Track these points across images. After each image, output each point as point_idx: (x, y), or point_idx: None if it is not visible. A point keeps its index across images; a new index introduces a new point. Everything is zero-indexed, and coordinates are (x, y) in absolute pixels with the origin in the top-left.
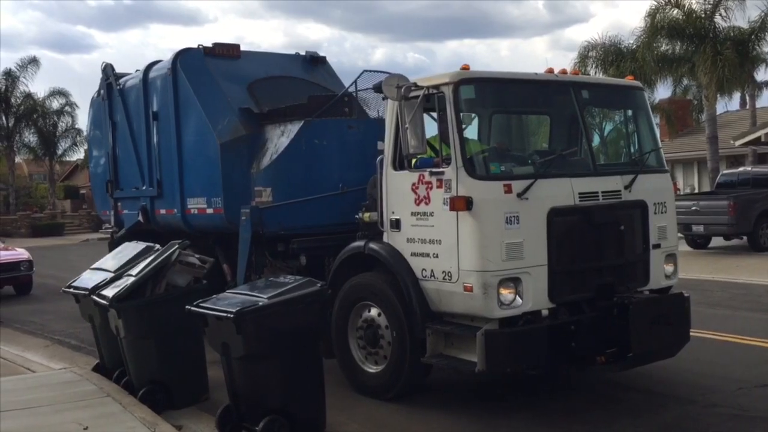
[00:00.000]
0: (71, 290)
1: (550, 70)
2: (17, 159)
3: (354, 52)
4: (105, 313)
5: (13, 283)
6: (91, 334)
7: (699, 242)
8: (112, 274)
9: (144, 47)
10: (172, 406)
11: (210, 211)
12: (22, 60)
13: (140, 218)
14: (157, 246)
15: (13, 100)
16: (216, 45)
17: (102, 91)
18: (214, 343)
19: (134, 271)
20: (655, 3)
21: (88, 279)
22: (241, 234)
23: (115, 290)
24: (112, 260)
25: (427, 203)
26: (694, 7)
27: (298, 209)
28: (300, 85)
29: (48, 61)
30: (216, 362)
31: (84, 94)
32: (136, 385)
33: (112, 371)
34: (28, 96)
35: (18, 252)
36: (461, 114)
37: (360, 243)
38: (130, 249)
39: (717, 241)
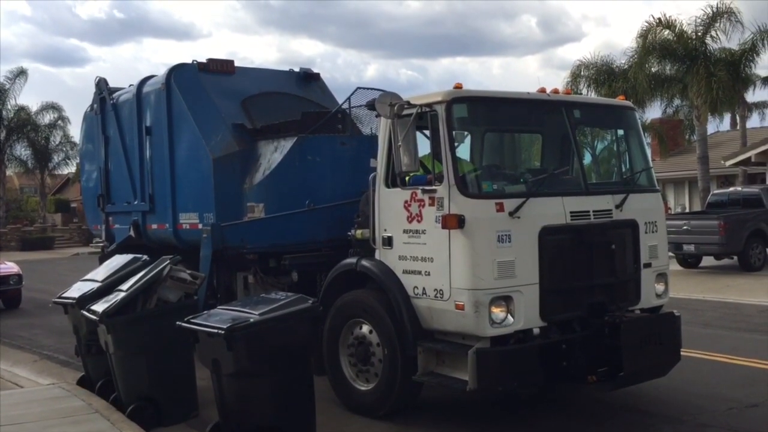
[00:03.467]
0: (60, 300)
1: (543, 90)
2: (8, 172)
3: (347, 68)
4: (92, 326)
5: (2, 296)
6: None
7: (690, 261)
8: (99, 284)
9: (137, 61)
10: (161, 422)
11: (202, 226)
12: (11, 72)
13: (131, 233)
14: (144, 257)
15: (3, 113)
16: (210, 60)
17: (95, 106)
18: (205, 360)
19: (125, 286)
20: (647, 24)
21: (76, 289)
22: (202, 252)
23: (106, 305)
24: (102, 271)
25: (419, 221)
26: (685, 28)
27: (263, 226)
28: (294, 101)
29: (40, 74)
30: (206, 379)
31: (76, 108)
32: (125, 402)
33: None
34: (20, 109)
35: (7, 266)
36: (454, 132)
37: (352, 260)
38: (119, 260)
39: (708, 261)
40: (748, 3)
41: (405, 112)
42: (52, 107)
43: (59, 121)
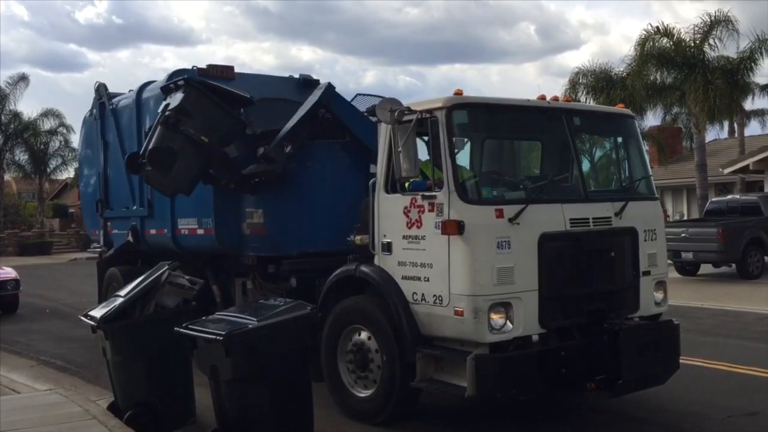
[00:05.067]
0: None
1: (542, 97)
2: (6, 176)
3: (346, 74)
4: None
5: (0, 302)
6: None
7: (688, 269)
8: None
9: (136, 67)
10: (158, 429)
11: (201, 232)
12: (12, 78)
13: (130, 238)
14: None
15: (3, 118)
16: (210, 66)
17: (94, 111)
18: (203, 366)
19: (123, 291)
20: (645, 32)
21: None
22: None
23: (104, 311)
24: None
25: (418, 227)
26: (683, 36)
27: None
28: (294, 107)
29: (39, 80)
30: (204, 385)
31: (75, 113)
32: (123, 408)
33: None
34: (18, 114)
35: (5, 271)
36: (454, 138)
37: (351, 266)
38: None
39: (706, 268)
40: (746, 11)
41: (405, 118)
42: (53, 114)
43: (61, 128)
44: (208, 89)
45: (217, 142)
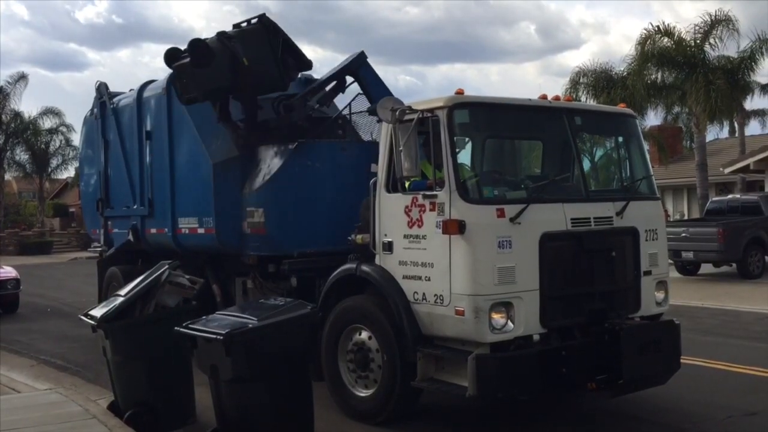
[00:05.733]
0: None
1: (544, 96)
2: (7, 176)
3: None
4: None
5: (0, 301)
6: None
7: (689, 269)
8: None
9: (136, 66)
10: (158, 428)
11: (201, 231)
12: (12, 77)
13: (130, 237)
14: None
15: (3, 117)
16: None
17: (95, 110)
18: (203, 366)
19: (123, 291)
20: (646, 31)
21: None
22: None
23: (104, 310)
24: None
25: (419, 226)
26: (684, 35)
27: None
28: None
29: (39, 79)
30: (204, 384)
31: (76, 112)
32: (123, 407)
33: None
34: (19, 114)
35: (5, 270)
36: (455, 138)
37: (352, 265)
38: None
39: (707, 268)
40: (747, 11)
41: (406, 117)
42: (53, 112)
43: (62, 127)
44: (272, 31)
45: (255, 77)
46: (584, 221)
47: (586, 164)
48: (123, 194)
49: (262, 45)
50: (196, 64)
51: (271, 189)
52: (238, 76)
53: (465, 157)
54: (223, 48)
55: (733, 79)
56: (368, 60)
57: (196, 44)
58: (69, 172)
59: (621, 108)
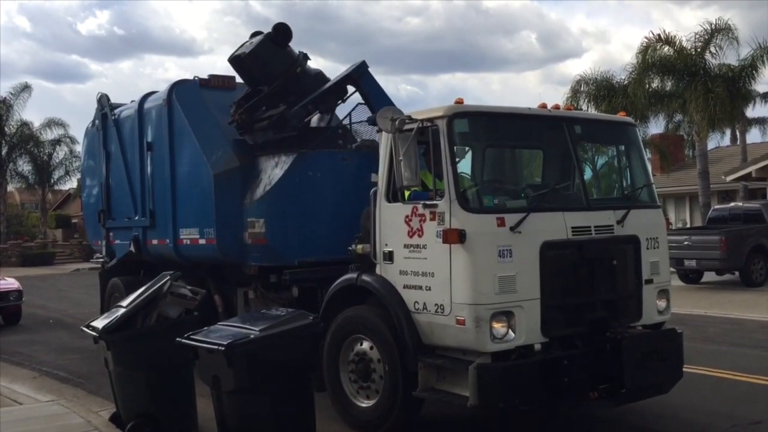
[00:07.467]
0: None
1: (543, 105)
2: (9, 187)
3: None
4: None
5: (2, 312)
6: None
7: (691, 277)
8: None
9: (138, 77)
10: None
11: (202, 241)
12: (15, 88)
13: (132, 248)
14: None
15: (6, 129)
16: (212, 77)
17: (97, 121)
18: (205, 376)
19: (125, 302)
20: (647, 39)
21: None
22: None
23: (106, 321)
24: None
25: (420, 235)
26: (685, 44)
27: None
28: None
29: (42, 91)
30: (205, 395)
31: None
32: (124, 418)
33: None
34: (23, 125)
35: (7, 281)
36: (455, 147)
37: (352, 275)
38: None
39: (709, 276)
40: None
41: (406, 126)
42: (57, 123)
43: (66, 137)
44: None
45: (296, 87)
46: (585, 230)
47: (587, 173)
48: (124, 205)
49: (314, 85)
50: (274, 39)
51: (272, 199)
52: (286, 75)
53: (465, 166)
54: (292, 51)
55: (733, 87)
56: (369, 69)
57: (282, 26)
58: (72, 183)
59: (621, 116)
